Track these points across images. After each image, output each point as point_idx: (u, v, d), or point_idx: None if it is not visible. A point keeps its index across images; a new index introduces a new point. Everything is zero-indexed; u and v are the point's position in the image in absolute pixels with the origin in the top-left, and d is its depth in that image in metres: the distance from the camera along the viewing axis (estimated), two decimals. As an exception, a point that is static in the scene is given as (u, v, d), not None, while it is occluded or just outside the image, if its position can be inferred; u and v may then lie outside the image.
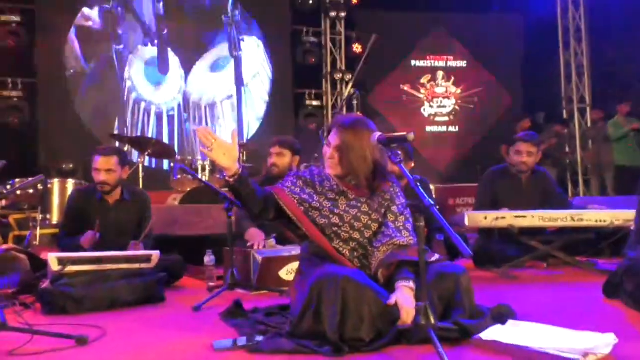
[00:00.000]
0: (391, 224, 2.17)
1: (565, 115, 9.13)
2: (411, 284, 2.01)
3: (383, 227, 2.17)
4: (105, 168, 3.28)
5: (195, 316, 2.58)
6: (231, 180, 2.06)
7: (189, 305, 2.77)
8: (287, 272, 3.10)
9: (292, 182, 2.24)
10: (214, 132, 2.06)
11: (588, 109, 9.03)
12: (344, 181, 2.22)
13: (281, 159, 3.65)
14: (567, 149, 8.71)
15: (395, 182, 2.30)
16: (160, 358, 1.95)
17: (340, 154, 2.15)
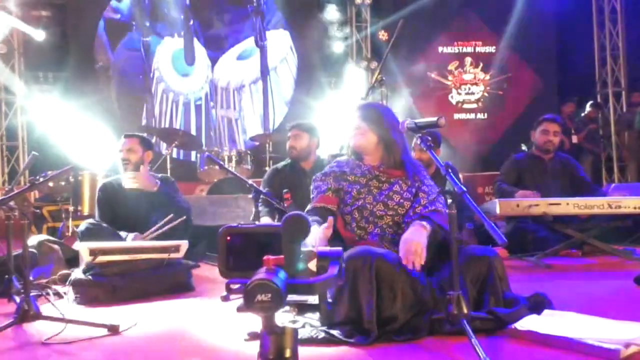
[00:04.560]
0: (421, 200, 2.18)
1: (599, 99, 8.82)
2: (425, 223, 2.00)
3: (415, 204, 2.18)
4: (126, 147, 3.45)
5: (224, 306, 2.58)
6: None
7: (217, 295, 2.78)
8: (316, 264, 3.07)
9: (325, 183, 2.24)
10: None
11: (623, 93, 8.71)
12: (374, 165, 2.23)
13: (299, 141, 3.71)
14: (601, 133, 8.44)
15: (422, 169, 2.28)
16: (190, 347, 1.96)
17: (370, 129, 2.22)
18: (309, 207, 2.25)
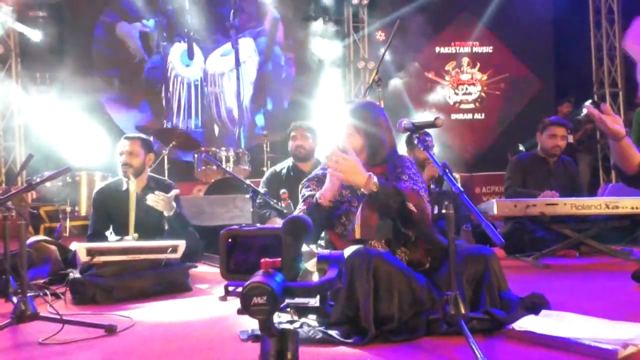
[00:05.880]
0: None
1: (596, 99, 8.83)
2: (375, 178, 2.01)
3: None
4: (128, 151, 3.32)
5: (222, 306, 2.58)
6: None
7: (215, 295, 2.78)
8: (314, 265, 3.07)
9: (309, 189, 2.22)
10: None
11: (620, 93, 8.73)
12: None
13: (307, 141, 3.73)
14: (599, 132, 8.45)
15: (409, 162, 2.25)
16: (188, 347, 1.96)
17: (357, 131, 2.19)
18: (296, 210, 2.23)
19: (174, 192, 3.24)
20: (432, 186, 3.68)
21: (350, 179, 2.01)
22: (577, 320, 1.93)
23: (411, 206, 2.01)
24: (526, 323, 1.87)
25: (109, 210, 3.35)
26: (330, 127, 2.36)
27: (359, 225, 2.05)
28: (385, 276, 1.87)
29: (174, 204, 3.23)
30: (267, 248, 0.92)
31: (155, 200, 3.15)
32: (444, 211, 1.85)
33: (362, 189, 2.03)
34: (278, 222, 3.36)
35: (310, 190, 2.20)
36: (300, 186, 2.29)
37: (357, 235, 2.05)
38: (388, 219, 2.08)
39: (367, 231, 2.05)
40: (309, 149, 3.71)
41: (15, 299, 2.16)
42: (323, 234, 2.22)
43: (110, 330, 2.11)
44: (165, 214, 3.20)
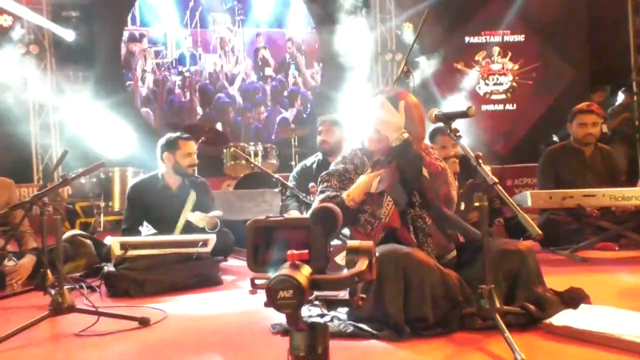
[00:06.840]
0: None
1: (634, 88, 8.50)
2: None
3: None
4: (194, 151, 3.51)
5: (252, 299, 2.59)
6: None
7: (245, 288, 2.80)
8: (343, 258, 3.05)
9: (329, 186, 2.12)
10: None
11: (660, 81, 8.39)
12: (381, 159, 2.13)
13: (331, 135, 3.70)
14: (637, 122, 8.13)
15: (427, 148, 2.18)
16: (220, 340, 1.97)
17: (385, 135, 2.05)
18: (313, 205, 2.20)
19: (218, 213, 3.30)
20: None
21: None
22: (618, 315, 1.86)
23: (425, 172, 1.98)
24: (565, 318, 1.82)
25: (144, 205, 3.39)
26: (358, 120, 2.28)
27: (387, 214, 2.01)
28: (416, 276, 1.80)
29: (218, 221, 3.31)
30: (295, 239, 0.89)
31: (197, 219, 3.24)
32: (476, 204, 1.80)
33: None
34: (292, 215, 3.35)
35: (330, 187, 2.11)
36: (319, 178, 2.19)
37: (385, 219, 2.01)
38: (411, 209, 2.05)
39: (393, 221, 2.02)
40: (333, 143, 3.68)
41: (52, 292, 2.22)
42: (347, 232, 2.18)
43: (144, 322, 2.15)
44: (207, 229, 3.27)
